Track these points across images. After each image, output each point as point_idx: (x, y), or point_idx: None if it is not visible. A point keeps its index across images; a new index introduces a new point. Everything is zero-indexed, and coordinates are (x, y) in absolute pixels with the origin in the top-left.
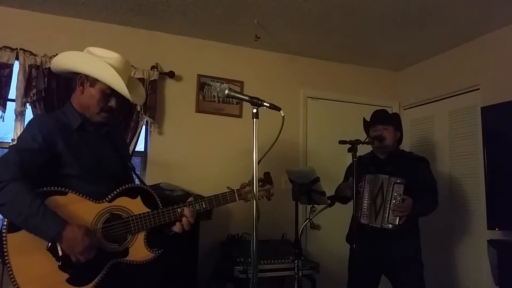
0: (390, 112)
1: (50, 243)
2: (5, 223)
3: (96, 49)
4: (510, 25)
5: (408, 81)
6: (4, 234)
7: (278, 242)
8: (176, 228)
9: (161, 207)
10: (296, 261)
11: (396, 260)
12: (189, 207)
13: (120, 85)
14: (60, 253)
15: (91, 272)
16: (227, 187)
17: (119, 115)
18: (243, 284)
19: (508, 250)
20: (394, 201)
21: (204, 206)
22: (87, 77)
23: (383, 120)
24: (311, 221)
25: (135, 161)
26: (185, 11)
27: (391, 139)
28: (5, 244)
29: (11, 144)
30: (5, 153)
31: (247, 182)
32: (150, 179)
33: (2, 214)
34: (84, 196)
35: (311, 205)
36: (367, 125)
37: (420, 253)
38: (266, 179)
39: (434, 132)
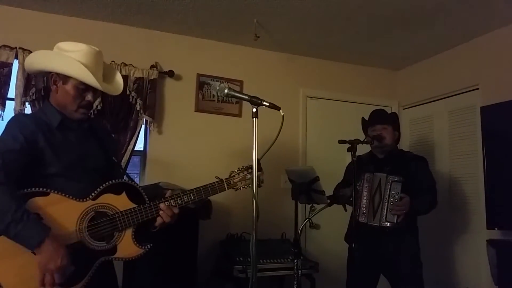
0: (389, 112)
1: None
2: None
3: (65, 43)
4: (509, 25)
5: (407, 81)
6: None
7: (278, 241)
8: (157, 223)
9: (148, 202)
10: (295, 261)
11: (394, 259)
12: (171, 201)
13: (88, 78)
14: None
15: (79, 273)
16: (215, 177)
17: (119, 113)
18: (242, 283)
19: (507, 250)
20: (392, 199)
21: (192, 197)
22: (58, 75)
23: (382, 119)
24: (310, 221)
25: (134, 160)
26: (184, 10)
27: (390, 139)
28: None
29: None
30: None
31: (235, 171)
32: (149, 178)
33: None
34: (67, 196)
35: (311, 205)
36: (366, 125)
37: (419, 253)
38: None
39: (434, 131)
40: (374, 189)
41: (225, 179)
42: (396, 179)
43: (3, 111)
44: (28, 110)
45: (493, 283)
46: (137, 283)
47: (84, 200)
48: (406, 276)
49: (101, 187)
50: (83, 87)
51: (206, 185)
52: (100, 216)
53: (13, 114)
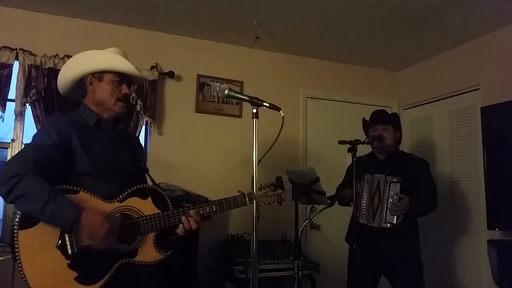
0: (390, 112)
1: (60, 241)
2: (17, 220)
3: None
4: (509, 25)
5: (408, 81)
6: (15, 231)
7: (278, 242)
8: (179, 230)
9: (172, 209)
10: (296, 261)
11: (395, 260)
12: (196, 210)
13: (125, 64)
14: (69, 251)
15: (99, 271)
16: (238, 191)
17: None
18: (243, 284)
19: (508, 250)
20: (391, 200)
21: (214, 209)
22: (93, 75)
23: (382, 120)
24: (311, 221)
25: None
26: (184, 11)
27: (390, 139)
28: (16, 240)
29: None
30: (21, 150)
31: (259, 186)
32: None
33: (20, 207)
34: (96, 196)
35: (311, 205)
36: (367, 125)
37: (420, 254)
38: (278, 184)
39: (434, 132)
40: (374, 190)
41: (247, 194)
42: (394, 180)
43: (4, 112)
44: (28, 111)
45: (494, 283)
46: (138, 284)
47: (112, 201)
48: (407, 277)
49: (129, 190)
50: (118, 79)
51: (229, 198)
52: (125, 218)
53: (13, 115)
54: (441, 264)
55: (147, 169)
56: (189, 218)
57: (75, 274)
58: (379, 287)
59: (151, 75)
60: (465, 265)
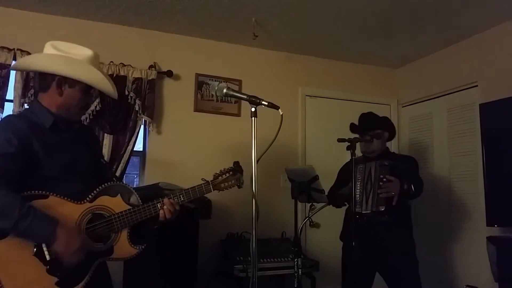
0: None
1: (35, 248)
2: None
3: (61, 43)
4: (507, 22)
5: (406, 79)
6: None
7: (278, 240)
8: (160, 218)
9: (141, 203)
10: (295, 259)
11: (390, 258)
12: (174, 198)
13: (108, 88)
14: (47, 257)
15: (79, 273)
16: (202, 179)
17: (118, 114)
18: (243, 282)
19: (507, 247)
20: (381, 183)
21: (182, 198)
22: (66, 78)
23: (370, 126)
24: (310, 219)
25: (134, 160)
26: (183, 10)
27: (378, 145)
28: None
29: None
30: None
31: (218, 173)
32: (149, 179)
33: None
34: (65, 198)
35: (310, 203)
36: (355, 131)
37: (414, 250)
38: (236, 168)
39: (433, 129)
40: (366, 177)
41: (210, 181)
42: (384, 163)
43: (2, 113)
44: None
45: (493, 280)
46: (138, 283)
47: (82, 202)
48: (402, 274)
49: (97, 189)
50: (92, 91)
51: (194, 187)
52: (97, 218)
53: None
54: (440, 261)
55: (106, 164)
56: (164, 207)
57: (55, 279)
58: (374, 286)
59: (149, 74)
60: (464, 262)
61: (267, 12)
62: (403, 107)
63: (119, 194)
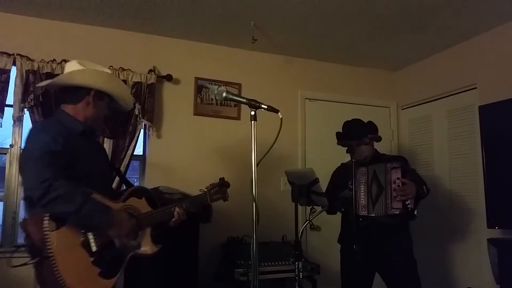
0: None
1: (83, 238)
2: (46, 222)
3: (85, 61)
4: (506, 24)
5: (405, 81)
6: (46, 234)
7: (278, 243)
8: (172, 222)
9: (160, 206)
10: (296, 263)
11: (390, 259)
12: (183, 205)
13: (131, 104)
14: (93, 248)
15: (117, 265)
16: (200, 190)
17: (117, 118)
18: (244, 286)
19: (509, 248)
20: (394, 185)
21: (184, 206)
22: (100, 92)
23: (356, 134)
24: (311, 223)
25: (134, 164)
26: (182, 14)
27: (368, 151)
28: (49, 241)
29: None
30: (30, 157)
31: (209, 186)
32: (149, 183)
33: (53, 209)
34: (105, 196)
35: (311, 207)
36: (343, 139)
37: (412, 250)
38: (224, 183)
39: (433, 131)
40: (370, 180)
41: (208, 191)
42: (395, 166)
43: (2, 118)
44: (26, 116)
45: (494, 282)
46: (139, 286)
47: (117, 201)
48: (402, 275)
49: (128, 190)
50: (111, 104)
51: (198, 196)
52: None
53: (12, 121)
54: (441, 263)
55: (119, 170)
56: (178, 211)
57: (98, 270)
58: (374, 286)
59: (149, 79)
60: (465, 264)
61: (265, 16)
62: (402, 109)
63: (144, 197)
